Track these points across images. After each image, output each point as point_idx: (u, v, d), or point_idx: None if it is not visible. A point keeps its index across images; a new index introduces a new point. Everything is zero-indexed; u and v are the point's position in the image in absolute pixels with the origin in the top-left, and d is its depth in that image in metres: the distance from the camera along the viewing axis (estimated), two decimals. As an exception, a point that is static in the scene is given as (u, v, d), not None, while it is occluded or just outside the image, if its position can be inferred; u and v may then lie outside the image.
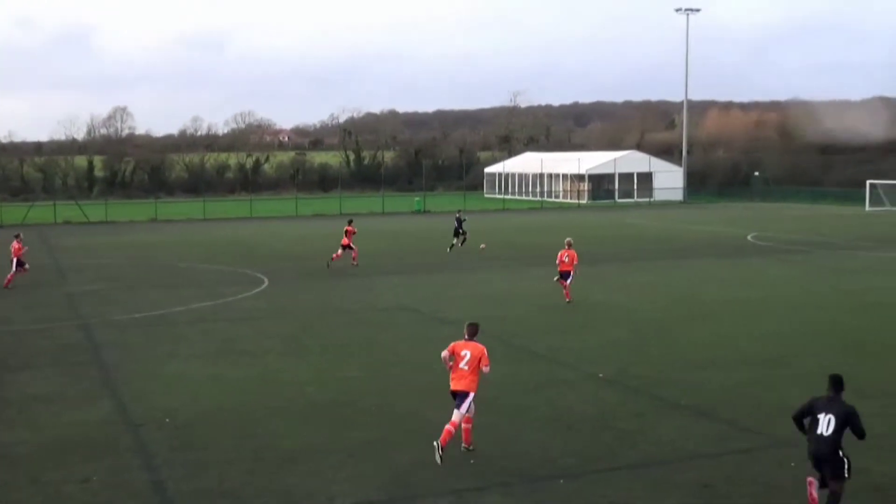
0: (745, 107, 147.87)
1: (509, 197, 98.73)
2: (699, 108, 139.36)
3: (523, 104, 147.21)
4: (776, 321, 25.26)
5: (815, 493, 11.40)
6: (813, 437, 11.34)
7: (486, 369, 14.04)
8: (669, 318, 25.85)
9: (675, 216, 70.22)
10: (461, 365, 13.99)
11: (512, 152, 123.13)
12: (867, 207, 74.80)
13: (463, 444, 14.19)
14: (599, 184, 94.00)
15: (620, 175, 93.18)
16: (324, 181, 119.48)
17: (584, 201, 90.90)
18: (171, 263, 41.71)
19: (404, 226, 63.81)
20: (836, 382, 11.68)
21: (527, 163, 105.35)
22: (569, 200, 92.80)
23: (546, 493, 12.73)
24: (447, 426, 13.77)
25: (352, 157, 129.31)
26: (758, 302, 28.55)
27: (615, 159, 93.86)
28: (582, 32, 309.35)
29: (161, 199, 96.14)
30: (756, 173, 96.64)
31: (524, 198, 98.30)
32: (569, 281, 28.42)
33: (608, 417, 16.12)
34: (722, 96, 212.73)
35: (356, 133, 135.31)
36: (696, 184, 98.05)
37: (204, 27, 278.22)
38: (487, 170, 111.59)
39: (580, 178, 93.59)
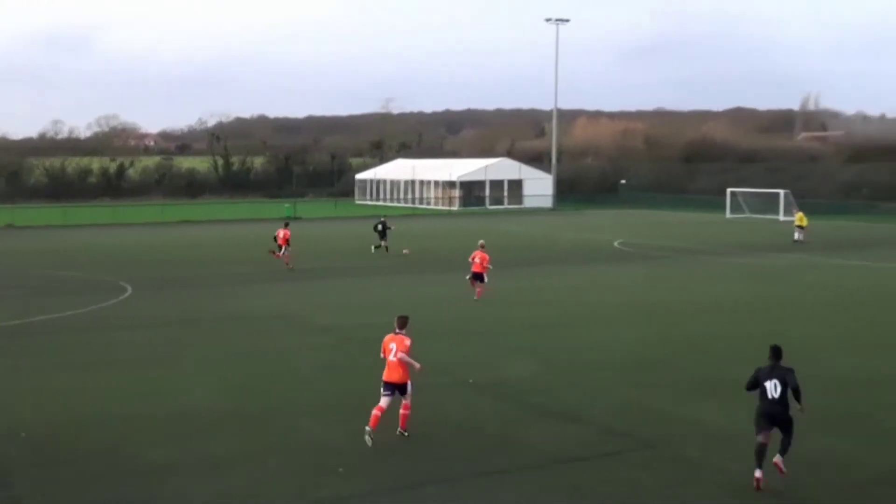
0: (612, 116, 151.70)
1: (381, 203, 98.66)
2: (568, 117, 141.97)
3: (395, 111, 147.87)
4: (642, 326, 25.84)
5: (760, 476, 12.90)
6: (766, 401, 13.14)
7: (400, 355, 15.01)
8: (539, 324, 26.18)
9: (545, 223, 71.34)
10: (390, 357, 15.19)
11: (384, 159, 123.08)
12: (728, 214, 77.43)
13: (401, 428, 15.22)
14: (471, 191, 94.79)
15: (491, 182, 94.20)
16: (191, 187, 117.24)
17: (455, 208, 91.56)
18: (28, 271, 40.19)
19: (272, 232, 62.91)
20: (777, 352, 13.50)
21: (399, 169, 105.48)
22: (440, 207, 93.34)
23: (414, 501, 12.71)
24: (375, 410, 14.86)
25: (220, 162, 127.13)
26: (623, 307, 29.17)
27: (486, 166, 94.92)
28: (454, 40, 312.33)
29: (19, 204, 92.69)
30: (623, 181, 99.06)
31: (396, 204, 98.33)
32: (481, 281, 30.31)
33: (478, 423, 16.19)
34: (591, 105, 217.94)
35: (225, 138, 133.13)
36: (566, 191, 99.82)
37: (66, 26, 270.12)
38: (359, 176, 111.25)
39: (452, 184, 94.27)
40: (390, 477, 13.52)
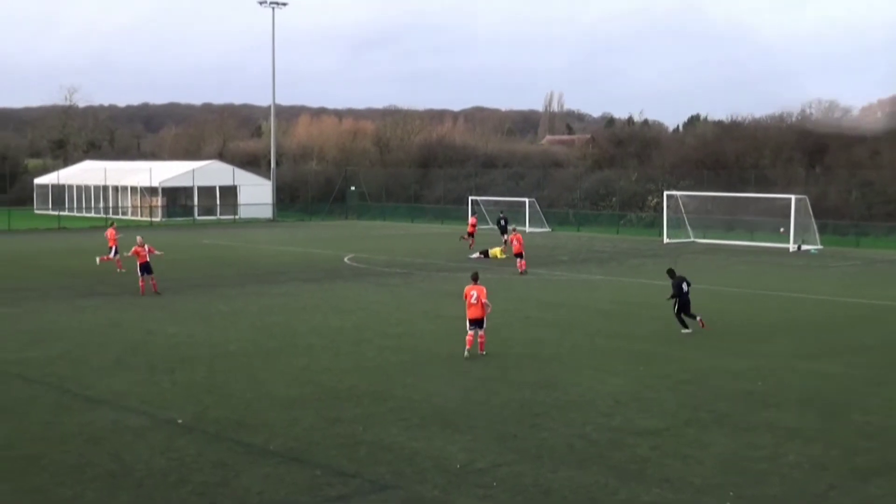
0: (339, 114, 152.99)
1: (66, 213, 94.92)
2: (289, 115, 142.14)
3: (81, 104, 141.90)
4: (374, 351, 26.13)
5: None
6: (682, 295, 28.41)
7: (484, 300, 24.53)
8: (255, 353, 25.95)
9: (264, 236, 70.89)
10: (472, 301, 24.50)
11: (69, 160, 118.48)
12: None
13: (479, 351, 24.77)
14: (175, 198, 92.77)
15: (200, 189, 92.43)
16: None
17: (157, 218, 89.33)
18: None
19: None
20: (671, 272, 29.36)
21: (88, 173, 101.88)
22: (140, 217, 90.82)
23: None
24: (468, 337, 24.66)
25: None
26: (352, 331, 29.40)
27: (194, 170, 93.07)
28: (152, 21, 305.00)
29: None
30: (352, 188, 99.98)
31: (86, 214, 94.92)
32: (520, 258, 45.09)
33: (185, 469, 15.91)
34: (314, 102, 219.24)
35: None
36: (287, 199, 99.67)
37: None
38: (38, 181, 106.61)
39: (153, 191, 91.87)
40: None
